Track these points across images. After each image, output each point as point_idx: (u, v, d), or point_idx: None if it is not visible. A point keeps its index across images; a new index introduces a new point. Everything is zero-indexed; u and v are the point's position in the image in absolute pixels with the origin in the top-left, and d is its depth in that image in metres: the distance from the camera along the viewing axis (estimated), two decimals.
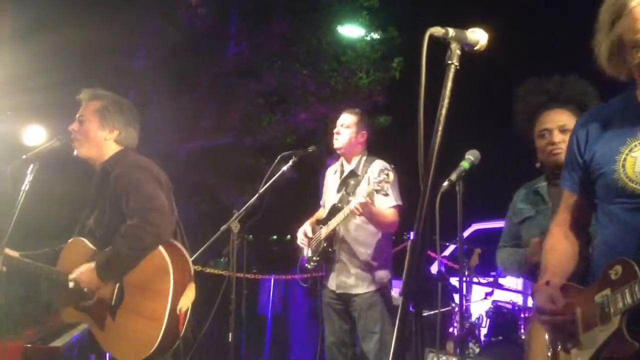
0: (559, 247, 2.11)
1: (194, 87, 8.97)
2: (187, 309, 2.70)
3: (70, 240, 3.01)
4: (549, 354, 1.99)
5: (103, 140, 2.95)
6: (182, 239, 2.94)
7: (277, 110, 9.68)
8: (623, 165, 1.87)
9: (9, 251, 3.04)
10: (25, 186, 3.06)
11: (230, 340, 3.66)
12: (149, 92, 8.37)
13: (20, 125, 4.01)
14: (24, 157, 3.11)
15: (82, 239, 2.95)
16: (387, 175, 3.53)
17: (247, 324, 3.98)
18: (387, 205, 3.83)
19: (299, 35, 9.54)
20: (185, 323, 2.71)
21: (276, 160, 3.97)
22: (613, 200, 1.91)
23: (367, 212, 3.65)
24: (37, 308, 4.81)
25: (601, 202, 1.97)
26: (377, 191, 3.56)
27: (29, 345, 3.43)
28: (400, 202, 3.86)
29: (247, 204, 3.83)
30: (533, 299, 2.05)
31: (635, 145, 1.87)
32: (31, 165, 3.10)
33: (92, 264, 2.78)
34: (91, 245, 2.90)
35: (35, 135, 3.97)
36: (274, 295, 6.86)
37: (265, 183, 3.90)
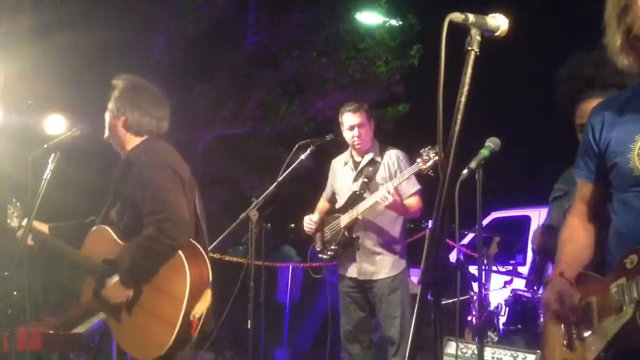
0: (575, 238, 2.10)
1: (213, 77, 8.98)
2: (202, 315, 2.63)
3: (94, 228, 2.97)
4: (565, 342, 1.98)
5: (116, 128, 2.87)
6: (203, 236, 2.87)
7: (295, 99, 9.67)
8: (638, 154, 1.85)
9: (37, 224, 3.06)
10: (47, 175, 3.09)
11: (249, 327, 3.68)
12: (168, 82, 8.41)
13: (41, 115, 4.05)
14: (45, 146, 3.14)
15: (107, 227, 2.90)
16: (430, 156, 3.52)
17: (266, 311, 4.00)
18: (411, 190, 3.87)
19: (317, 23, 9.49)
20: (199, 328, 2.64)
21: (294, 149, 3.98)
22: (628, 188, 1.89)
23: (394, 201, 3.65)
24: (59, 295, 4.88)
25: (616, 191, 1.95)
26: (421, 170, 3.56)
27: (51, 332, 3.48)
28: (420, 186, 3.89)
29: (266, 192, 3.84)
30: (544, 290, 2.04)
31: None
32: (52, 154, 3.13)
33: (117, 279, 2.73)
34: (115, 236, 2.84)
35: (56, 125, 4.01)
36: (292, 283, 6.89)
37: (284, 172, 3.91)
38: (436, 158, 3.47)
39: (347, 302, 4.08)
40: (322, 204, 4.32)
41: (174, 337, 2.55)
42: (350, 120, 4.02)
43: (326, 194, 4.35)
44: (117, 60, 7.15)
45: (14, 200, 3.15)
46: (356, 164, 4.10)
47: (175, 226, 2.57)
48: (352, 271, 4.00)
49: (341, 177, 4.19)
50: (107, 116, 2.92)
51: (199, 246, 2.72)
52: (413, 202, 3.90)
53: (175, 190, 2.67)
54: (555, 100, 2.82)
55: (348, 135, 4.05)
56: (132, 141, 2.87)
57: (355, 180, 4.06)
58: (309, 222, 4.16)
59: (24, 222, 3.08)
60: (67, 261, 3.05)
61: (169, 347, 2.56)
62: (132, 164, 2.76)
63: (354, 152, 4.12)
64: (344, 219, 3.96)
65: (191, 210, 2.77)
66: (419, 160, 3.57)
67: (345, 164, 4.18)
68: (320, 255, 4.14)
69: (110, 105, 2.90)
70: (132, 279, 2.69)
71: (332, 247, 4.03)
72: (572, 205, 2.18)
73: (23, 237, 2.94)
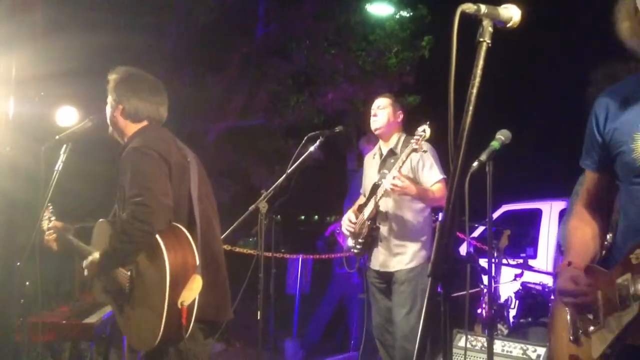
0: (582, 228, 2.08)
1: (224, 68, 8.98)
2: (193, 302, 2.56)
3: (97, 223, 2.98)
4: (571, 337, 1.96)
5: (116, 118, 2.88)
6: (209, 221, 2.81)
7: (305, 91, 9.65)
8: None
9: (63, 226, 3.11)
10: (59, 166, 3.11)
11: (258, 318, 3.70)
12: (179, 73, 8.41)
13: (53, 107, 4.06)
14: (57, 137, 3.16)
15: (106, 221, 2.91)
16: (424, 131, 3.52)
17: (276, 303, 4.02)
18: (434, 179, 3.86)
19: (328, 14, 9.44)
20: (194, 316, 2.58)
21: (303, 141, 3.98)
22: (633, 180, 1.85)
23: (405, 187, 3.64)
24: (71, 286, 4.92)
25: (622, 183, 1.92)
26: (415, 150, 3.55)
27: (63, 322, 3.51)
28: (445, 175, 3.87)
29: (275, 184, 3.85)
30: (555, 281, 2.02)
31: None
32: (64, 146, 3.15)
33: (97, 256, 2.76)
34: (111, 228, 2.84)
35: (68, 116, 4.02)
36: (301, 274, 6.91)
37: (293, 163, 3.91)
38: (423, 133, 3.50)
39: (375, 292, 4.10)
40: (361, 200, 4.33)
41: (162, 326, 2.50)
42: (375, 103, 4.12)
43: (363, 189, 4.37)
44: (128, 51, 7.16)
45: (49, 204, 3.17)
46: (382, 155, 4.13)
47: (149, 210, 2.52)
48: (375, 263, 4.02)
49: (369, 170, 4.23)
50: (108, 111, 2.93)
51: (183, 230, 2.64)
52: (436, 189, 3.88)
53: (156, 174, 2.62)
54: (585, 100, 2.80)
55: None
56: (132, 128, 2.86)
57: (378, 171, 4.08)
58: (348, 223, 4.16)
59: (51, 224, 3.12)
60: (79, 256, 3.05)
61: (161, 336, 2.52)
62: (123, 155, 2.75)
63: (381, 143, 4.15)
64: (367, 211, 3.98)
65: (182, 195, 2.71)
66: (412, 141, 3.59)
67: (374, 155, 4.22)
68: (352, 250, 4.16)
69: (108, 98, 2.91)
70: (107, 261, 2.69)
71: (360, 240, 4.05)
72: (580, 195, 2.15)
73: (36, 227, 2.97)
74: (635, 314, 1.70)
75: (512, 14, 1.55)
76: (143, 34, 7.73)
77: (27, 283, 3.46)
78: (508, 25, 1.55)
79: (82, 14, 6.61)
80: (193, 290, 2.55)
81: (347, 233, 4.18)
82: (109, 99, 2.90)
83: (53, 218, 3.16)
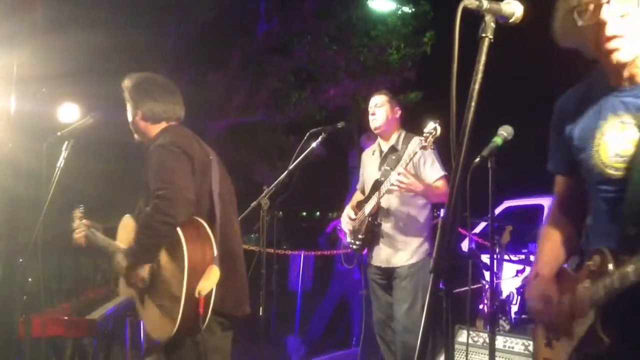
0: (553, 234, 2.04)
1: (225, 65, 8.98)
2: (210, 292, 2.63)
3: (122, 220, 3.06)
4: (545, 340, 1.92)
5: (137, 124, 2.97)
6: (229, 219, 2.89)
7: (307, 87, 9.64)
8: (597, 151, 1.78)
9: (86, 221, 3.19)
10: (60, 163, 3.11)
11: (260, 314, 3.70)
12: (181, 71, 8.41)
13: (54, 103, 4.06)
14: (58, 134, 3.16)
15: (130, 216, 2.99)
16: (435, 129, 3.50)
17: (278, 299, 4.02)
18: (436, 176, 3.86)
19: (329, 10, 9.43)
20: (211, 306, 2.64)
21: (305, 137, 3.97)
22: (595, 186, 1.82)
23: (410, 183, 3.65)
24: (73, 282, 4.92)
25: (589, 189, 1.89)
26: (424, 147, 3.53)
27: (65, 318, 3.52)
28: (446, 172, 3.87)
29: (277, 180, 3.85)
30: (526, 291, 1.98)
31: (607, 128, 1.77)
32: (66, 142, 3.15)
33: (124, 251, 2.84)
34: (135, 223, 2.92)
35: (69, 113, 4.02)
36: (303, 271, 6.91)
37: (295, 160, 3.91)
38: (433, 131, 3.48)
39: (375, 288, 4.10)
40: (357, 196, 4.33)
41: (180, 315, 2.57)
42: (372, 102, 4.10)
43: (360, 185, 4.37)
44: (128, 50, 7.16)
45: (80, 205, 3.26)
46: (382, 152, 4.12)
47: (172, 204, 2.59)
48: (377, 259, 4.02)
49: (369, 166, 4.22)
50: (128, 117, 3.01)
51: (204, 224, 2.71)
52: (439, 184, 3.87)
53: (179, 169, 2.70)
54: None
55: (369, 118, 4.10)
56: (153, 130, 2.94)
57: (379, 168, 4.07)
58: (348, 219, 4.17)
59: (82, 222, 3.19)
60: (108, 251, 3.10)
61: (179, 325, 2.58)
62: (148, 152, 2.82)
63: (380, 141, 4.14)
64: (368, 207, 3.98)
65: (204, 191, 2.79)
66: (421, 138, 3.58)
67: (373, 153, 4.21)
68: (350, 246, 4.16)
69: (127, 105, 3.00)
70: (134, 257, 2.76)
71: (360, 236, 4.05)
72: (553, 199, 2.12)
73: (39, 224, 2.97)
74: (591, 322, 1.67)
75: (514, 9, 1.54)
76: (143, 32, 7.74)
77: (30, 280, 3.47)
78: (510, 20, 1.54)
79: (83, 12, 6.61)
80: (210, 281, 2.62)
81: (347, 229, 4.18)
82: (127, 106, 2.99)
83: (82, 216, 3.23)
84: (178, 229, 2.63)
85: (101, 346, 4.10)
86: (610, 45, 1.66)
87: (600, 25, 1.65)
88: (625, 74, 1.73)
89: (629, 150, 1.71)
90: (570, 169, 1.95)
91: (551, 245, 2.03)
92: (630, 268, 1.56)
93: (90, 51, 6.03)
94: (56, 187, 3.04)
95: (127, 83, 2.98)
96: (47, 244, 3.12)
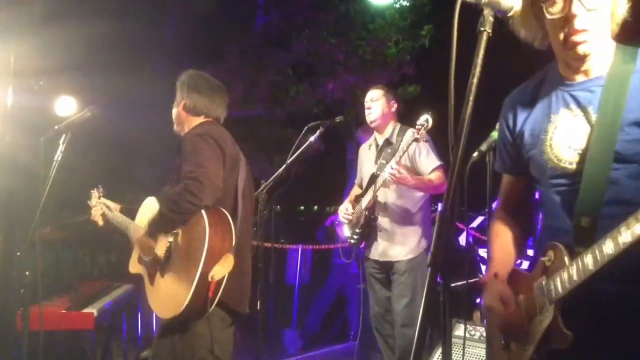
0: (503, 234, 2.03)
1: (223, 58, 8.95)
2: (223, 278, 2.73)
3: (145, 200, 3.18)
4: (502, 342, 1.90)
5: (179, 114, 3.11)
6: (247, 215, 3.00)
7: (305, 81, 9.61)
8: (550, 145, 1.78)
9: (110, 203, 3.35)
10: (58, 156, 3.11)
11: (258, 308, 3.71)
12: (179, 63, 8.39)
13: (52, 96, 4.05)
14: (56, 127, 3.15)
15: (153, 197, 3.12)
16: (427, 121, 3.52)
17: (275, 293, 4.03)
18: (431, 166, 3.86)
19: (327, 3, 9.40)
20: (220, 291, 2.74)
21: (303, 131, 3.97)
22: (547, 181, 1.82)
23: (403, 177, 3.65)
24: (71, 275, 4.92)
25: (539, 185, 1.89)
26: (417, 140, 3.54)
27: (63, 311, 3.52)
28: (442, 162, 3.87)
29: (275, 174, 3.84)
30: (482, 292, 1.95)
31: (560, 122, 1.77)
32: (63, 136, 3.14)
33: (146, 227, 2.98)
34: (158, 202, 3.04)
35: (67, 106, 4.01)
36: (301, 265, 6.92)
37: (293, 154, 3.90)
38: (425, 123, 3.50)
39: (373, 282, 4.11)
40: (355, 191, 4.34)
41: (190, 294, 2.65)
42: (367, 96, 4.13)
43: (357, 180, 4.38)
44: (128, 42, 7.13)
45: (99, 185, 3.41)
46: (378, 146, 4.12)
47: (201, 186, 2.71)
48: (374, 253, 4.03)
49: (366, 160, 4.23)
50: (174, 110, 3.16)
51: (227, 214, 2.84)
52: (434, 177, 3.88)
53: (213, 157, 2.83)
54: None
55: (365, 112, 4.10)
56: (192, 122, 3.08)
57: (375, 162, 4.07)
58: (345, 212, 4.17)
59: (100, 200, 3.36)
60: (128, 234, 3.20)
61: (187, 305, 2.66)
62: (183, 139, 2.96)
63: (376, 135, 4.15)
64: (364, 201, 3.99)
65: (230, 184, 2.93)
66: (413, 130, 3.58)
67: (370, 147, 4.21)
68: (348, 240, 4.17)
69: (176, 98, 3.14)
70: (154, 227, 2.91)
71: (357, 230, 4.06)
72: (500, 199, 2.11)
73: (36, 217, 2.98)
74: (551, 319, 1.66)
75: (512, 3, 1.53)
76: (142, 24, 7.70)
77: (27, 273, 3.46)
78: (509, 14, 1.54)
79: (80, 5, 6.57)
80: (225, 267, 2.73)
81: (344, 223, 4.19)
82: (176, 98, 3.13)
83: (101, 195, 3.38)
84: (203, 211, 2.75)
85: (99, 339, 4.11)
86: (578, 37, 1.68)
87: (569, 18, 1.67)
88: (582, 67, 1.76)
89: (582, 142, 1.72)
90: (518, 169, 1.96)
91: (502, 244, 2.02)
92: (588, 259, 1.55)
93: (88, 44, 6.00)
94: (53, 181, 3.03)
95: (182, 76, 3.14)
96: (45, 237, 3.11)
